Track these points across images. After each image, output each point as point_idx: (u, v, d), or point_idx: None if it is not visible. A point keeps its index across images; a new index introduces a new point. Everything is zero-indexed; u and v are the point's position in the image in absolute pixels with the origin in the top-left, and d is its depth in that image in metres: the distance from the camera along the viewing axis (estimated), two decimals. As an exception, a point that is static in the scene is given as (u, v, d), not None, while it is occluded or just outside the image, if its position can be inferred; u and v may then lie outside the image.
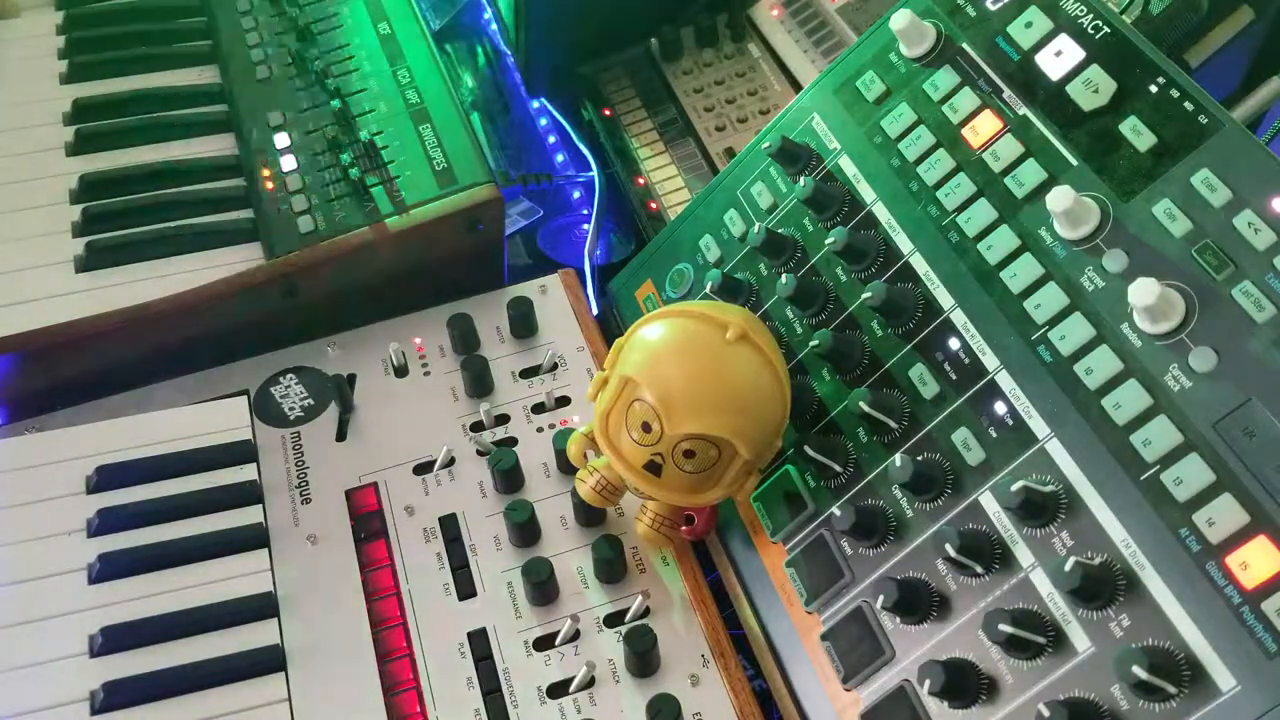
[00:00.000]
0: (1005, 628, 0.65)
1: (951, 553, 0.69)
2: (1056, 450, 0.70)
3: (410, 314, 0.98)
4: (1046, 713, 0.62)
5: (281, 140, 1.04)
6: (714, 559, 0.85)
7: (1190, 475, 0.64)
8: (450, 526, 0.85)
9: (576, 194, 1.28)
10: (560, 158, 1.31)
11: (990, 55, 0.83)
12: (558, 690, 0.77)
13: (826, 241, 0.83)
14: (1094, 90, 0.77)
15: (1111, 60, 0.77)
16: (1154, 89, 0.75)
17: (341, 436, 0.91)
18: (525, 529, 0.83)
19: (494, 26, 1.38)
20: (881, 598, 0.71)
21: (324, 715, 0.77)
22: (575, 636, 0.79)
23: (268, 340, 0.96)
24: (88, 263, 0.97)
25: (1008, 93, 0.81)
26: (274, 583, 0.83)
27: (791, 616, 0.78)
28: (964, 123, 0.82)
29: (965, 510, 0.72)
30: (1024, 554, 0.69)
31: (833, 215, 0.86)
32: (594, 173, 1.21)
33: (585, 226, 1.21)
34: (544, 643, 0.79)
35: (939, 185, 0.81)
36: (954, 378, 0.76)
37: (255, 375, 0.95)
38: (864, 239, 0.83)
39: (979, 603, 0.69)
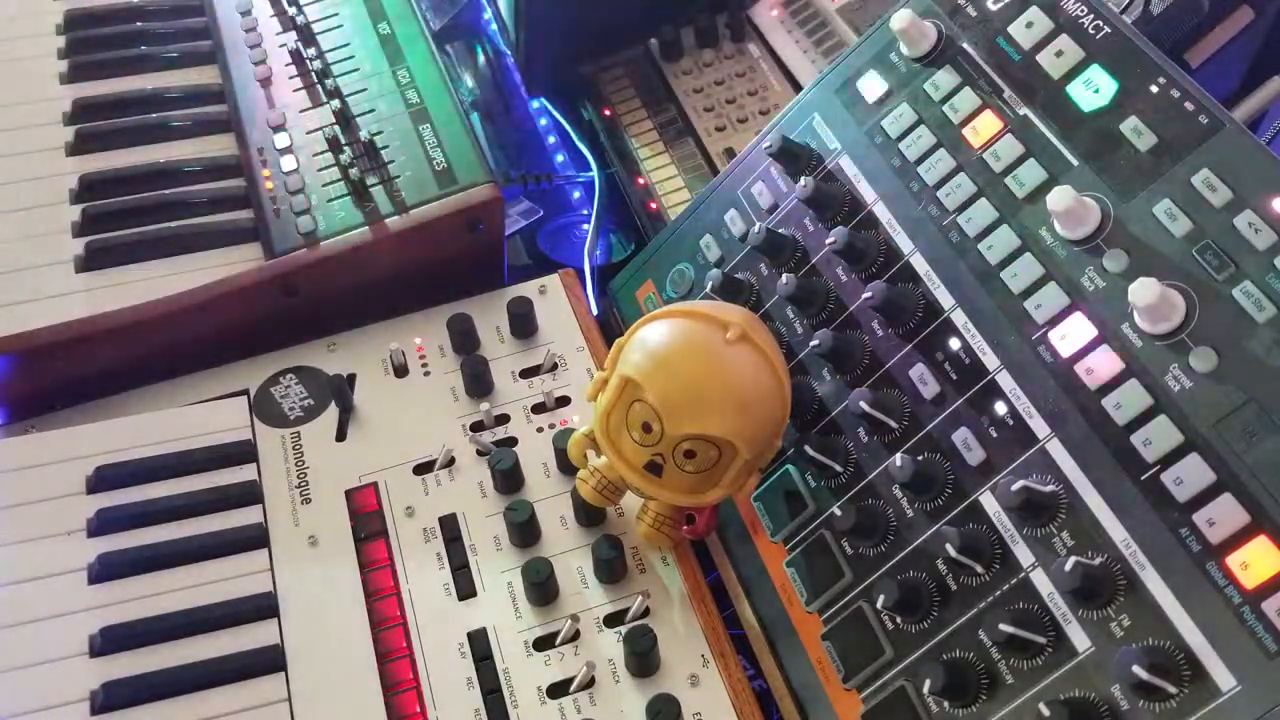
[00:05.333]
0: (1005, 628, 0.65)
1: (951, 553, 0.69)
2: (1056, 450, 0.70)
3: (410, 314, 0.98)
4: (1046, 713, 0.62)
5: (281, 140, 1.04)
6: (714, 559, 0.85)
7: (1190, 475, 0.64)
8: (450, 526, 0.85)
9: (576, 194, 1.28)
10: (560, 158, 1.31)
11: (991, 55, 0.83)
12: (558, 690, 0.77)
13: (827, 241, 0.83)
14: (1094, 90, 0.77)
15: (1112, 60, 0.77)
16: (1154, 89, 0.75)
17: (341, 436, 0.91)
18: (525, 529, 0.83)
19: (494, 26, 1.37)
20: (881, 598, 0.71)
21: (324, 715, 0.77)
22: (575, 636, 0.79)
23: (268, 340, 0.96)
24: (88, 263, 0.96)
25: (1008, 93, 0.81)
26: (274, 583, 0.83)
27: (792, 616, 0.78)
28: (964, 122, 0.82)
29: (965, 510, 0.72)
30: (1024, 554, 0.69)
31: (833, 215, 0.86)
32: (594, 173, 1.21)
33: (585, 226, 1.21)
34: (544, 643, 0.79)
35: (939, 185, 0.81)
36: (954, 378, 0.76)
37: (255, 375, 0.95)
38: (864, 239, 0.83)
39: (979, 603, 0.69)
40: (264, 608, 0.81)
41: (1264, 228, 0.67)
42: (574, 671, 0.77)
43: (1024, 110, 0.80)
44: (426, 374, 0.95)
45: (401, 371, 0.95)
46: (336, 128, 1.02)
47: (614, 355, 0.79)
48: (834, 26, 1.16)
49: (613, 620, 0.80)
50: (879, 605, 0.71)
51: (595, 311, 1.02)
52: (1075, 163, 0.76)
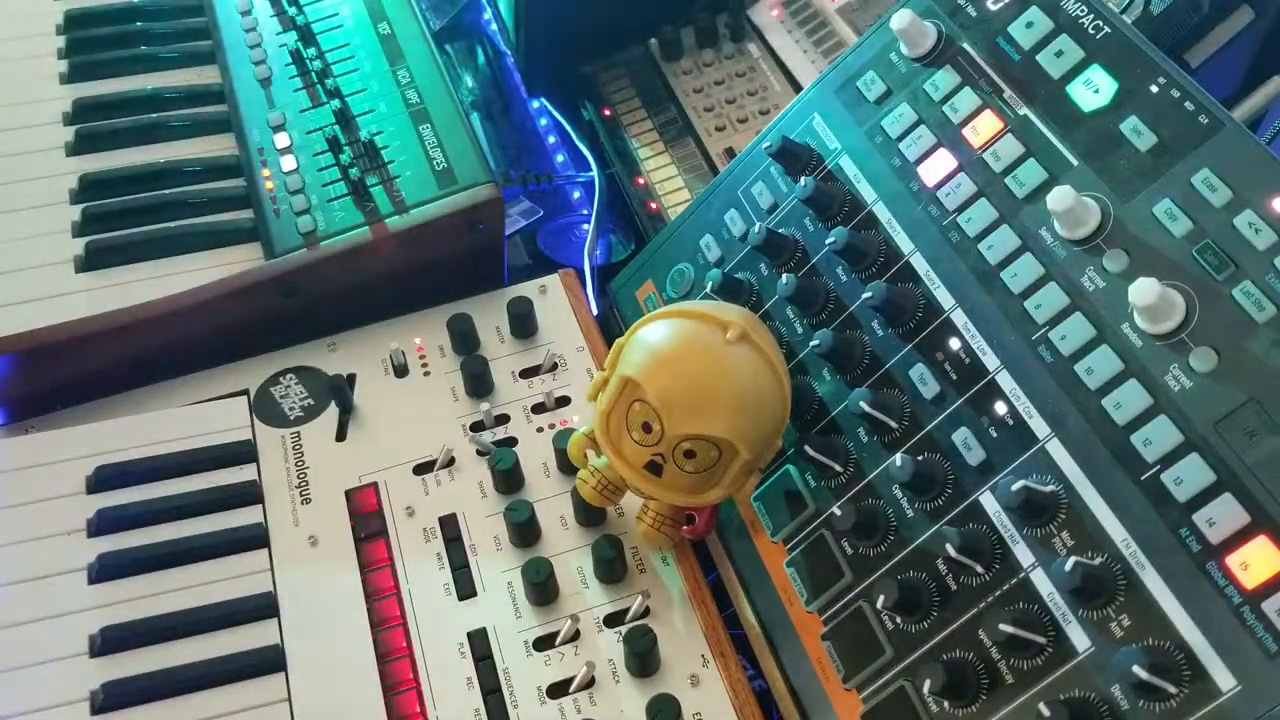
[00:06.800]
0: (1005, 628, 0.65)
1: (951, 553, 0.69)
2: (1057, 450, 0.70)
3: (410, 314, 0.98)
4: (1046, 713, 0.62)
5: (281, 140, 1.04)
6: (714, 559, 0.85)
7: (1190, 475, 0.64)
8: (450, 526, 0.85)
9: (576, 194, 1.28)
10: (560, 158, 1.31)
11: (991, 55, 0.83)
12: (558, 690, 0.77)
13: (827, 241, 0.83)
14: (1094, 90, 0.77)
15: (1112, 60, 0.77)
16: (1154, 89, 0.75)
17: (341, 436, 0.91)
18: (525, 529, 0.83)
19: (494, 26, 1.38)
20: (881, 598, 0.71)
21: (324, 715, 0.77)
22: (575, 636, 0.79)
23: (268, 340, 0.96)
24: (87, 263, 0.96)
25: (1008, 93, 0.81)
26: (274, 583, 0.83)
27: (792, 616, 0.78)
28: (965, 123, 0.82)
29: (965, 510, 0.72)
30: (1024, 554, 0.69)
31: (833, 215, 0.86)
32: (594, 173, 1.21)
33: (585, 226, 1.21)
34: (544, 643, 0.79)
35: (940, 185, 0.81)
36: (954, 378, 0.76)
37: (255, 375, 0.95)
38: (864, 239, 0.83)
39: (979, 603, 0.69)
40: (264, 608, 0.81)
41: (1264, 228, 0.67)
42: (574, 671, 0.77)
43: (1024, 110, 0.80)
44: (426, 374, 0.95)
45: (401, 371, 0.95)
46: (336, 128, 1.02)
47: (614, 355, 0.79)
48: (834, 26, 1.16)
49: (613, 620, 0.80)
50: (879, 605, 0.71)
51: (595, 311, 1.02)
52: (1075, 163, 0.76)
